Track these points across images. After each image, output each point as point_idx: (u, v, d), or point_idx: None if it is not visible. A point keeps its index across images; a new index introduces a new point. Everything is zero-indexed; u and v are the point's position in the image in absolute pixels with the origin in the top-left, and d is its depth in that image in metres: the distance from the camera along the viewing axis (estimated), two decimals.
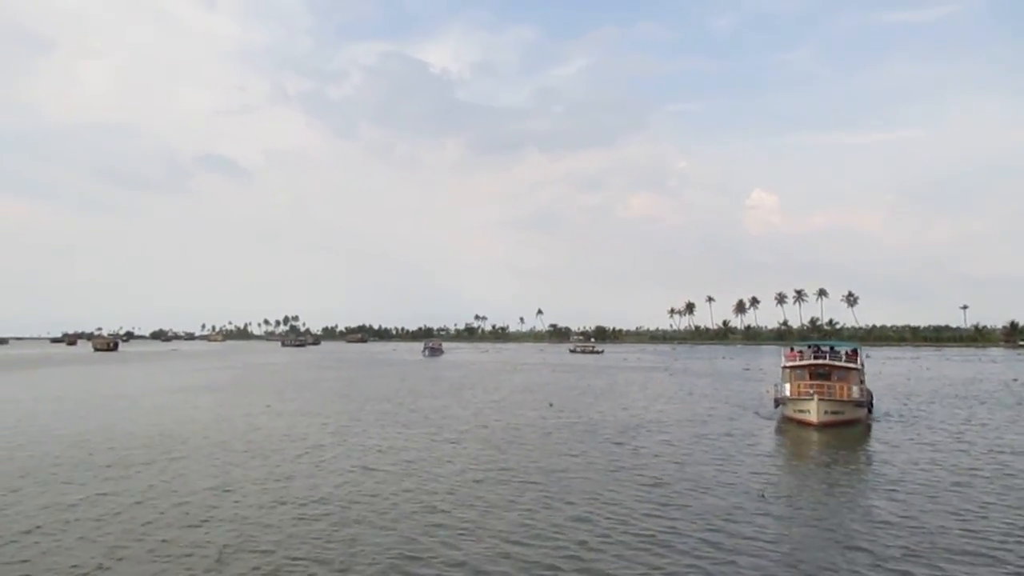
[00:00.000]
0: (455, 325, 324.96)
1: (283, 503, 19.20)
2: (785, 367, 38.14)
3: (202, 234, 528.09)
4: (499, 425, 34.83)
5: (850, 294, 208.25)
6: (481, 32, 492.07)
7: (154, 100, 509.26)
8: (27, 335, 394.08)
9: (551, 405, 43.52)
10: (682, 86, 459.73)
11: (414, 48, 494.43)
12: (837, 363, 36.77)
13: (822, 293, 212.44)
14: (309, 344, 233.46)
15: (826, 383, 34.88)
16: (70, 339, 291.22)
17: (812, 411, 33.38)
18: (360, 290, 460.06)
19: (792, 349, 41.07)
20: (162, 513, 18.14)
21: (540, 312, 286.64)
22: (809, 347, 40.30)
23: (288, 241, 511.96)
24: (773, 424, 35.38)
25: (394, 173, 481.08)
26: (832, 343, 40.50)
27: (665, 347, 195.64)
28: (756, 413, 39.52)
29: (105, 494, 20.20)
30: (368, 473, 23.26)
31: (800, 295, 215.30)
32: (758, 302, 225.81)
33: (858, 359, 37.78)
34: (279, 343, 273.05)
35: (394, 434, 31.90)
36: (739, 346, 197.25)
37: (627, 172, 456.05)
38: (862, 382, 36.33)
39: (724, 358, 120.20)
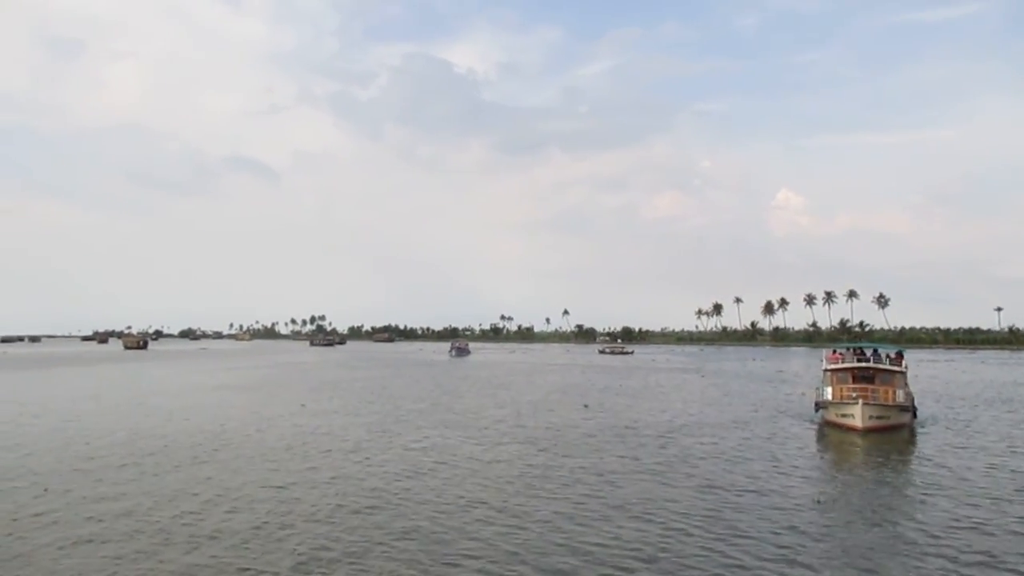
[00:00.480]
0: (479, 325, 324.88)
1: (345, 505, 19.16)
2: (827, 370, 36.93)
3: (230, 235, 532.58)
4: (538, 425, 34.74)
5: (881, 296, 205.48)
6: (506, 33, 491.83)
7: (182, 102, 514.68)
8: (59, 333, 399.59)
9: (586, 406, 43.26)
10: (707, 86, 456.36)
11: (440, 49, 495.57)
12: (881, 366, 35.79)
13: (852, 294, 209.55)
14: (336, 344, 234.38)
15: (870, 387, 33.89)
16: (101, 337, 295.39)
17: (856, 415, 32.53)
18: (385, 290, 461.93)
19: (834, 351, 40.21)
20: (229, 514, 18.19)
21: (566, 313, 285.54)
22: (851, 349, 39.43)
23: (314, 241, 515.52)
24: (814, 428, 34.78)
25: (419, 174, 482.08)
26: (876, 345, 39.66)
27: (693, 348, 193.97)
28: (797, 417, 38.95)
29: (168, 493, 20.42)
30: (422, 475, 23.18)
31: (830, 296, 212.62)
32: (787, 303, 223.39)
33: (903, 362, 36.75)
34: (307, 342, 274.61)
35: (436, 435, 31.84)
36: (767, 348, 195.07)
37: (651, 172, 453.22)
38: (907, 386, 35.38)
39: (753, 360, 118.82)
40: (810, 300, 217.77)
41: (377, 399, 47.89)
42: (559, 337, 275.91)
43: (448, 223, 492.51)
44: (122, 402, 45.47)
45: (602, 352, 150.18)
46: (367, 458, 26.00)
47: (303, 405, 43.54)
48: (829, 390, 35.18)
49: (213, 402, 45.81)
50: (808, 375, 77.49)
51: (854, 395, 33.33)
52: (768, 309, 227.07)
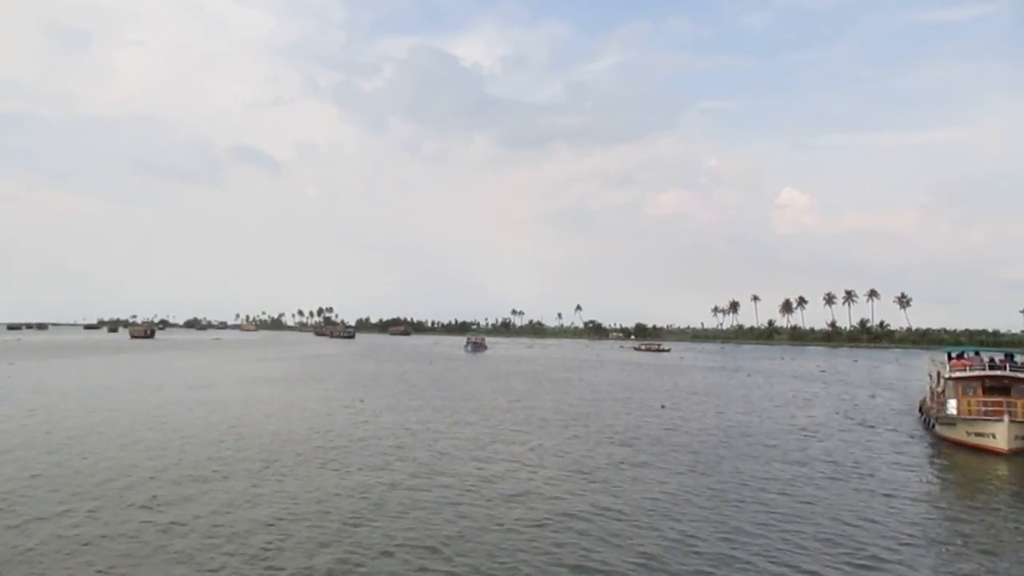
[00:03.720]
0: (486, 319, 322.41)
1: (462, 503, 17.25)
2: (951, 378, 31.01)
3: (234, 225, 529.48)
4: (627, 426, 32.33)
5: (903, 295, 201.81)
6: (513, 27, 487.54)
7: (188, 91, 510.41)
8: (62, 321, 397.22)
9: (663, 407, 40.41)
10: (714, 83, 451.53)
11: (446, 42, 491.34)
12: (1020, 374, 30.17)
13: (872, 294, 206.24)
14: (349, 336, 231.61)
15: (1005, 399, 28.61)
16: (111, 326, 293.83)
17: (1000, 435, 27.32)
18: (391, 283, 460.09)
19: (959, 355, 34.49)
20: (354, 515, 15.59)
21: (579, 308, 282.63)
22: (977, 354, 34.41)
23: (319, 233, 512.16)
24: (924, 442, 30.44)
25: (424, 167, 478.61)
26: (1007, 350, 34.56)
27: (711, 346, 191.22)
28: (890, 426, 34.93)
29: (263, 493, 17.67)
30: (533, 473, 20.72)
31: (850, 296, 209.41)
32: (805, 302, 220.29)
33: None
34: (312, 333, 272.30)
35: (517, 434, 29.20)
36: (785, 346, 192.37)
37: (657, 169, 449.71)
38: None
39: (783, 359, 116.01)
40: (829, 299, 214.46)
41: (436, 395, 45.05)
42: (571, 333, 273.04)
43: (453, 217, 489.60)
44: (185, 396, 42.54)
45: (637, 349, 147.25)
46: (490, 460, 23.27)
47: (361, 401, 40.77)
48: (953, 403, 29.83)
49: (271, 396, 42.97)
50: (855, 374, 74.75)
51: (991, 409, 28.10)
52: (786, 307, 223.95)
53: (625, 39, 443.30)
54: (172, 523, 15.80)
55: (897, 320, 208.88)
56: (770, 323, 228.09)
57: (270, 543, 14.58)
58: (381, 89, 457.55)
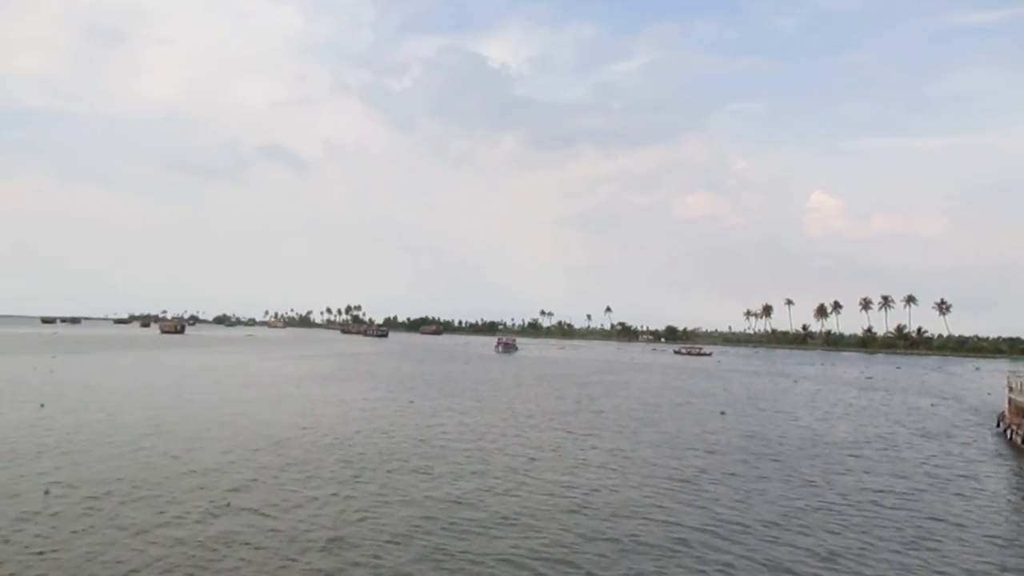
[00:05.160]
0: (512, 320, 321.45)
1: (575, 513, 15.78)
2: None
3: (262, 223, 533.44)
4: (694, 433, 31.18)
5: (942, 301, 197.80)
6: (540, 28, 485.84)
7: (218, 90, 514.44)
8: (93, 316, 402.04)
9: (723, 413, 39.33)
10: (743, 85, 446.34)
11: (473, 43, 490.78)
12: None
13: (910, 300, 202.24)
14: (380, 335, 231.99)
15: None
16: (143, 321, 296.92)
17: None
18: (417, 282, 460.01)
19: None
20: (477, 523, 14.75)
21: (608, 310, 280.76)
22: None
23: (346, 232, 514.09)
24: (1013, 459, 28.40)
25: (450, 167, 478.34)
26: None
27: (744, 350, 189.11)
28: (967, 443, 32.38)
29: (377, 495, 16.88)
30: (627, 480, 19.60)
31: (886, 301, 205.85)
32: (840, 307, 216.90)
33: None
34: (338, 331, 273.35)
35: (588, 439, 28.18)
36: (819, 352, 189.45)
37: (684, 171, 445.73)
38: None
39: (823, 364, 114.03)
40: (866, 304, 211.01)
41: (486, 397, 44.30)
42: (599, 335, 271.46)
43: (479, 217, 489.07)
44: (242, 395, 42.18)
45: (678, 352, 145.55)
46: (578, 467, 22.35)
47: (411, 402, 40.05)
48: None
49: (324, 396, 42.35)
50: (904, 382, 72.81)
51: None
52: (820, 312, 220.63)
53: (653, 40, 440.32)
54: (272, 529, 15.14)
55: (929, 327, 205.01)
56: (804, 328, 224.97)
57: (399, 554, 13.87)
58: (409, 89, 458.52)
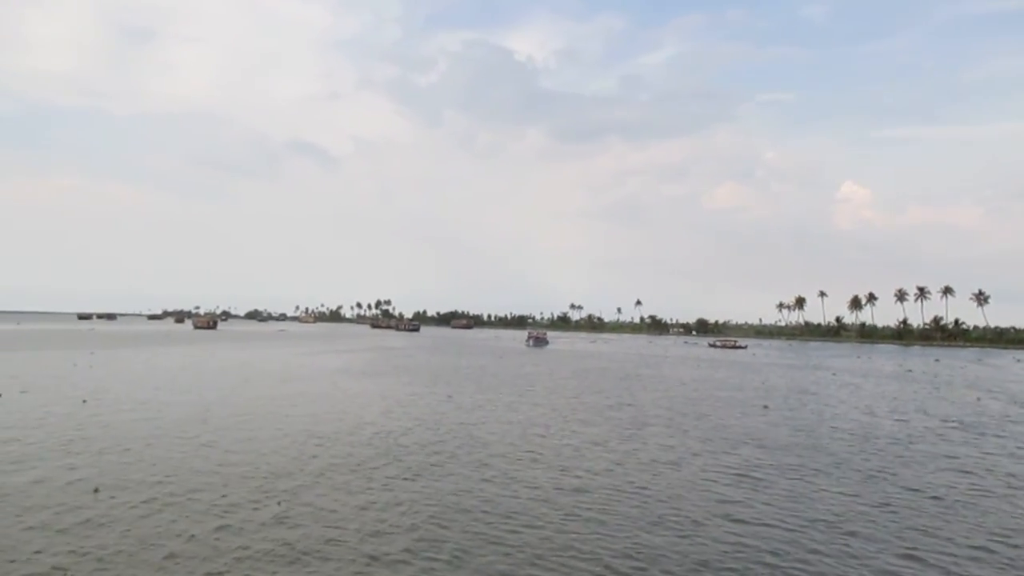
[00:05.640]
0: (541, 313, 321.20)
1: (659, 512, 15.37)
2: None
3: (292, 218, 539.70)
4: (742, 427, 30.50)
5: (980, 292, 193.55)
6: (566, 20, 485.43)
7: (245, 87, 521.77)
8: (127, 311, 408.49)
9: (767, 407, 38.68)
10: (773, 75, 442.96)
11: (499, 36, 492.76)
12: None
13: (947, 291, 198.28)
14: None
15: None
16: (178, 317, 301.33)
17: None
18: (445, 275, 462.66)
19: None
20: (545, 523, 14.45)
21: (639, 303, 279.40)
22: None
23: (375, 226, 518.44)
24: None
25: (477, 161, 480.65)
26: None
27: (776, 342, 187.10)
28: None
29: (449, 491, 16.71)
30: (693, 475, 19.11)
31: (922, 292, 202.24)
32: (875, 298, 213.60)
33: None
34: (368, 326, 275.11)
35: (636, 434, 27.69)
36: (853, 344, 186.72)
37: (713, 162, 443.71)
38: None
39: (859, 357, 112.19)
40: (900, 296, 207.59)
41: (526, 391, 44.07)
42: (629, 328, 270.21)
43: (506, 210, 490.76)
44: (283, 390, 42.36)
45: (713, 346, 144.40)
46: (637, 464, 21.93)
47: (449, 396, 39.88)
48: None
49: (364, 390, 42.31)
50: (945, 375, 71.19)
51: None
52: (855, 304, 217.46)
53: (680, 31, 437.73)
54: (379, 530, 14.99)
55: (966, 318, 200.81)
56: (838, 320, 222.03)
57: (477, 554, 13.64)
58: (436, 83, 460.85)
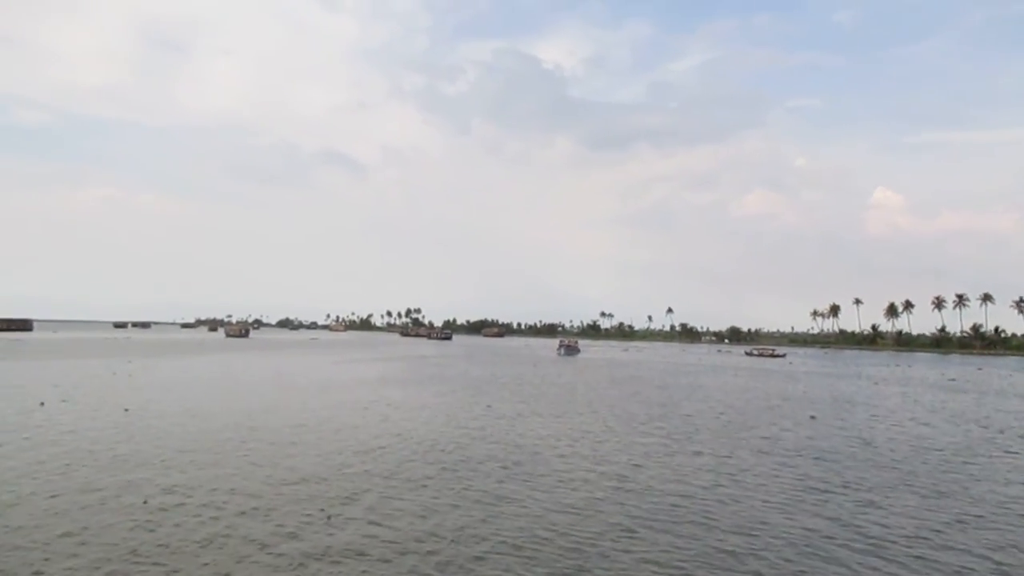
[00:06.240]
0: (571, 321, 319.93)
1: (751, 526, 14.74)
2: None
3: (322, 227, 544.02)
4: (795, 439, 29.58)
5: (1021, 300, 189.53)
6: (594, 28, 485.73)
7: (276, 97, 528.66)
8: (162, 320, 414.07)
9: (813, 418, 37.73)
10: (802, 81, 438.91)
11: (527, 45, 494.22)
12: None
13: (987, 298, 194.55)
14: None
15: None
16: (211, 325, 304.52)
17: None
18: (475, 284, 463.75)
19: None
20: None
21: (670, 311, 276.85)
22: None
23: (404, 235, 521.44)
24: None
25: (506, 169, 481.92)
26: None
27: (811, 350, 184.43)
28: None
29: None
30: (739, 487, 18.47)
31: (961, 299, 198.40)
32: (912, 305, 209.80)
33: None
34: (398, 334, 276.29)
35: (685, 443, 26.98)
36: (890, 352, 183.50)
37: (742, 169, 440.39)
38: None
39: (898, 366, 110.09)
40: (939, 303, 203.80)
41: (567, 401, 43.49)
42: (660, 336, 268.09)
43: (535, 219, 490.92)
44: (326, 399, 42.20)
45: (749, 354, 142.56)
46: (689, 474, 21.32)
47: (488, 406, 39.39)
48: None
49: (404, 400, 41.90)
50: (990, 384, 69.35)
51: None
52: (891, 311, 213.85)
53: (709, 37, 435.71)
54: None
55: (1006, 325, 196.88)
56: (873, 327, 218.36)
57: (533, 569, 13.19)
58: (464, 92, 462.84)
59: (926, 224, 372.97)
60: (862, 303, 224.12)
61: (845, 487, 20.69)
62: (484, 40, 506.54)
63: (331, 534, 14.79)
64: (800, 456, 25.64)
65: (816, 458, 25.20)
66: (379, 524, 15.61)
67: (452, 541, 14.58)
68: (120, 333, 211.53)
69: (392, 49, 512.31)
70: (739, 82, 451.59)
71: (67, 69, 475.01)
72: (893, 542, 15.27)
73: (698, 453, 25.72)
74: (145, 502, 16.75)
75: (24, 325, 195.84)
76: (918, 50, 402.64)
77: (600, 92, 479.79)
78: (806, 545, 14.88)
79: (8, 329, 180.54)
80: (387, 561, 13.31)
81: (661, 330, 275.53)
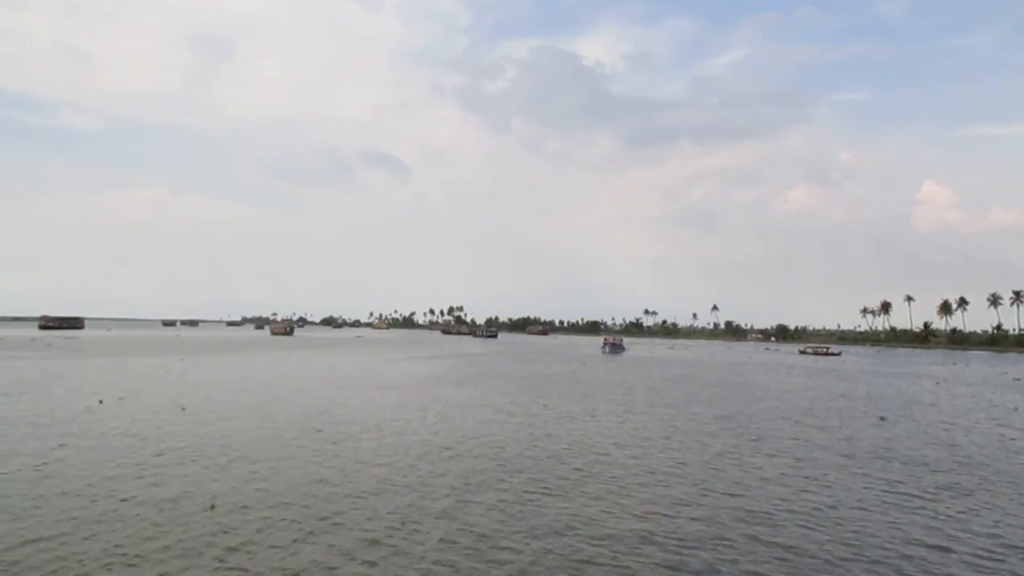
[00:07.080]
0: (613, 319, 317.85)
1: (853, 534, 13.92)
2: None
3: (365, 226, 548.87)
4: (871, 442, 28.39)
5: None
6: (635, 24, 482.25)
7: (319, 98, 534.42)
8: (209, 319, 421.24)
9: (883, 419, 36.40)
10: (847, 74, 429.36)
11: (567, 42, 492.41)
12: None
13: None
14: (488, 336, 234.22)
15: None
16: (258, 324, 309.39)
17: None
18: (516, 282, 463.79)
19: None
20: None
21: (715, 308, 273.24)
22: None
23: (445, 233, 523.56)
24: None
25: (546, 167, 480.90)
26: None
27: (863, 349, 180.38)
28: None
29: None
30: (831, 493, 17.56)
31: (1019, 296, 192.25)
32: (966, 303, 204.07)
33: None
34: (439, 332, 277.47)
35: (757, 445, 26.03)
36: (943, 351, 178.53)
37: (786, 165, 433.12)
38: None
39: (955, 364, 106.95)
40: (994, 300, 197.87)
41: (624, 400, 42.69)
42: (705, 334, 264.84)
43: (576, 216, 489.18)
44: (385, 398, 42.08)
45: (803, 352, 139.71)
46: (773, 478, 20.51)
47: (545, 406, 38.72)
48: None
49: (459, 399, 41.57)
50: None
51: None
52: (944, 309, 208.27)
53: (751, 32, 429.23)
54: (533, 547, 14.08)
55: None
56: (925, 325, 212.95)
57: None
58: (504, 90, 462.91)
59: (977, 219, 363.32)
60: (914, 300, 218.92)
61: (938, 490, 19.72)
62: (523, 38, 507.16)
63: (417, 542, 14.35)
64: (882, 459, 24.58)
65: (903, 463, 24.06)
66: (459, 529, 15.13)
67: (546, 551, 14.02)
68: (170, 331, 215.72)
69: (432, 49, 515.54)
70: (782, 76, 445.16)
71: (117, 74, 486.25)
72: (1016, 547, 14.34)
73: (774, 455, 24.83)
74: (212, 507, 16.23)
75: (76, 323, 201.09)
76: (967, 42, 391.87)
77: (641, 89, 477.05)
78: (919, 557, 14.02)
79: (61, 327, 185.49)
80: (481, 570, 12.80)
81: (705, 328, 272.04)
